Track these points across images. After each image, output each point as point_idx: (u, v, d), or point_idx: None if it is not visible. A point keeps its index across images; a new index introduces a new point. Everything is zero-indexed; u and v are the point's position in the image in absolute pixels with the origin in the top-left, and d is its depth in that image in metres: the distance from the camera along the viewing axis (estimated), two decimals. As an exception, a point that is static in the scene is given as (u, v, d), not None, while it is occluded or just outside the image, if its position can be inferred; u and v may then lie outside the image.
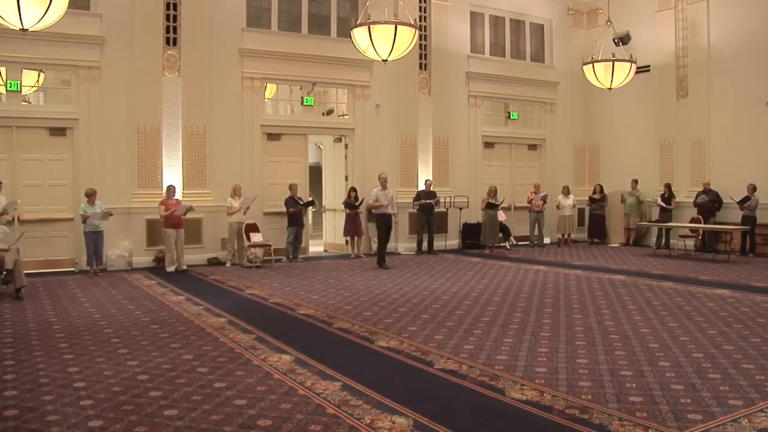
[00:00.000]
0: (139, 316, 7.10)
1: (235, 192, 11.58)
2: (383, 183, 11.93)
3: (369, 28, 9.77)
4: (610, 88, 12.86)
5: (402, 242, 13.72)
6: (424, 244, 13.60)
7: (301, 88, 13.33)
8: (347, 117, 13.80)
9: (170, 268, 10.76)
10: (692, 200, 13.42)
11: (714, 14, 13.66)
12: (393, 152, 13.93)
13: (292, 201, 12.07)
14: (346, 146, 13.83)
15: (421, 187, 13.83)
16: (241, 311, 7.33)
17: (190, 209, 10.93)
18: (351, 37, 10.25)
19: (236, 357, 5.31)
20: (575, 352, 5.41)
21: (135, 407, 4.07)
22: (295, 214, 12.02)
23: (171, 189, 10.99)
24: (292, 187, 12.13)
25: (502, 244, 14.21)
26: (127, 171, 11.32)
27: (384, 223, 11.49)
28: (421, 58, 14.09)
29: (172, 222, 10.80)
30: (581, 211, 16.05)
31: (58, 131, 11.09)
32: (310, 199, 12.99)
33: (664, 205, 13.98)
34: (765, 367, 4.90)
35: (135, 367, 5.01)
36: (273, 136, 12.83)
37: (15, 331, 6.32)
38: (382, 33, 9.74)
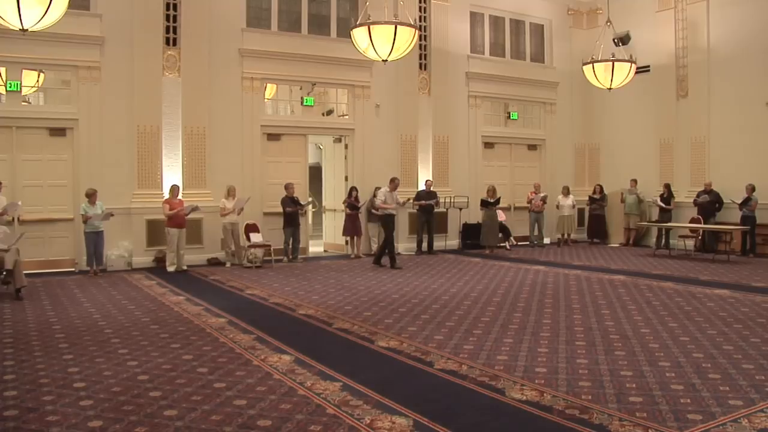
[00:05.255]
0: (139, 316, 7.10)
1: (229, 193, 11.56)
2: (395, 187, 11.79)
3: (369, 28, 9.77)
4: (610, 89, 12.84)
5: (402, 242, 13.71)
6: (424, 245, 13.60)
7: (301, 88, 13.32)
8: (347, 117, 13.80)
9: (171, 268, 10.77)
10: (692, 200, 13.42)
11: (714, 14, 13.66)
12: (393, 152, 13.93)
13: (288, 201, 12.04)
14: (346, 146, 13.83)
15: (421, 187, 13.83)
16: (241, 311, 7.33)
17: (195, 209, 10.93)
18: (351, 38, 10.23)
19: (236, 357, 5.31)
20: (575, 352, 5.41)
21: (135, 407, 4.07)
22: (291, 214, 11.99)
23: (175, 189, 10.99)
24: (289, 187, 12.09)
25: (502, 245, 14.21)
26: (127, 171, 11.32)
27: (390, 222, 11.43)
28: (421, 59, 14.09)
29: (177, 222, 10.81)
30: (581, 211, 16.04)
31: (58, 131, 11.08)
32: (310, 200, 13.01)
33: (663, 205, 13.99)
34: (765, 367, 4.90)
35: (135, 367, 5.01)
36: (273, 137, 12.83)
37: (15, 332, 6.32)
38: (382, 33, 9.73)
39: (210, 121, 11.95)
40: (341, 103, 14.02)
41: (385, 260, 11.43)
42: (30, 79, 11.05)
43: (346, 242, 13.38)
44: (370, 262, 11.86)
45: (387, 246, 11.42)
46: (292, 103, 13.96)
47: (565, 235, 15.14)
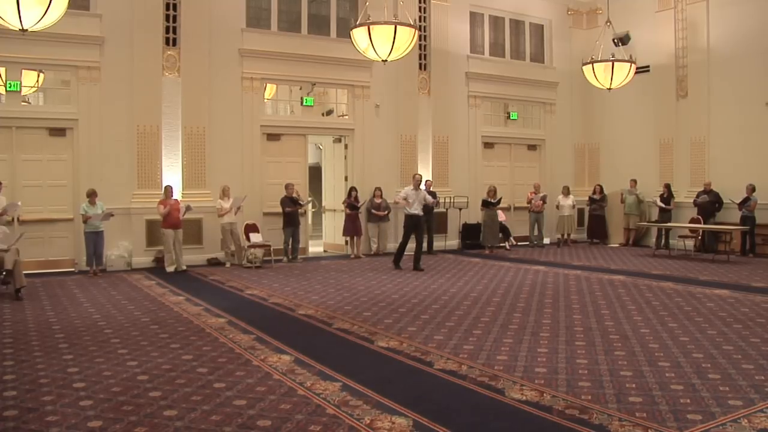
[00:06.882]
0: (139, 316, 7.10)
1: (224, 193, 11.54)
2: (417, 183, 11.30)
3: (368, 28, 9.77)
4: (609, 89, 12.84)
5: (402, 242, 13.72)
6: (424, 245, 13.53)
7: (300, 89, 13.32)
8: (347, 117, 13.80)
9: (170, 269, 10.76)
10: (692, 200, 13.43)
11: (714, 14, 13.66)
12: (393, 152, 13.93)
13: (288, 201, 12.03)
14: (346, 146, 13.83)
15: (421, 187, 13.76)
16: (240, 311, 7.33)
17: (188, 209, 10.93)
18: (351, 38, 10.24)
19: (236, 357, 5.31)
20: (575, 352, 5.41)
21: (134, 407, 4.07)
22: (291, 214, 11.99)
23: (169, 189, 10.98)
24: (289, 187, 12.08)
25: (501, 245, 14.21)
26: (127, 171, 11.31)
27: (411, 224, 11.04)
28: (420, 59, 14.09)
29: (171, 222, 10.79)
30: (581, 212, 16.04)
31: (58, 131, 11.08)
32: (309, 199, 13.00)
33: (663, 205, 13.99)
34: (765, 367, 4.90)
35: (135, 367, 5.01)
36: (273, 137, 12.83)
37: (15, 332, 6.31)
38: (382, 33, 9.74)
39: (210, 121, 11.95)
40: (341, 103, 14.01)
41: (404, 260, 11.17)
42: (30, 79, 11.04)
43: (346, 242, 13.38)
44: (370, 262, 11.85)
45: (400, 248, 11.20)
46: (292, 103, 13.97)
47: (565, 236, 15.14)
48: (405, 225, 11.22)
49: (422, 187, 13.52)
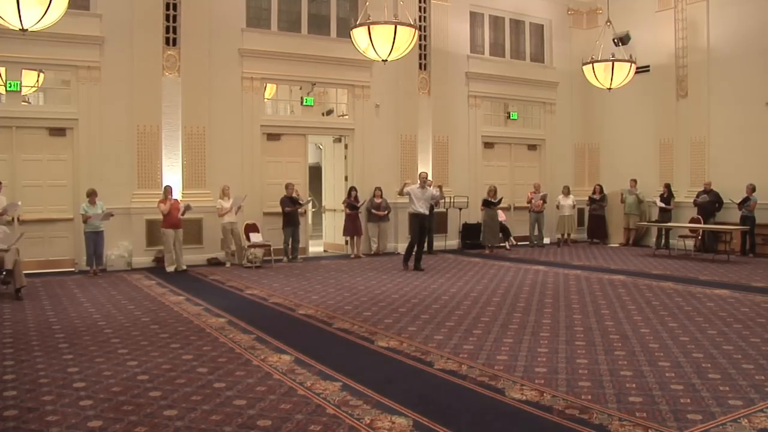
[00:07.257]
0: (139, 316, 7.10)
1: (224, 193, 11.55)
2: (423, 182, 11.17)
3: (369, 28, 9.77)
4: (609, 89, 12.84)
5: (402, 242, 13.69)
6: (424, 245, 13.55)
7: (300, 88, 13.32)
8: (347, 117, 13.80)
9: (170, 268, 10.77)
10: (692, 200, 13.43)
11: (714, 14, 13.66)
12: (393, 152, 13.93)
13: (287, 200, 12.04)
14: (346, 146, 13.83)
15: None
16: (240, 311, 7.33)
17: (188, 208, 10.93)
18: (351, 38, 10.24)
19: (236, 357, 5.31)
20: (575, 352, 5.41)
21: (135, 407, 4.07)
22: (290, 214, 11.99)
23: (168, 189, 10.98)
24: (289, 187, 12.09)
25: (501, 244, 14.21)
26: (127, 171, 11.31)
27: (417, 223, 10.91)
28: (420, 58, 14.09)
29: (171, 222, 10.80)
30: (581, 212, 16.04)
31: (58, 131, 11.08)
32: (309, 198, 13.01)
33: (663, 205, 13.99)
34: (765, 367, 4.90)
35: (135, 367, 5.01)
36: (273, 136, 12.83)
37: (15, 332, 6.31)
38: (382, 33, 9.74)
39: (210, 121, 11.95)
40: (341, 103, 14.01)
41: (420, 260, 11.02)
42: (30, 79, 11.04)
43: (346, 242, 13.38)
44: (370, 262, 11.84)
45: (410, 247, 11.11)
46: (292, 103, 13.97)
47: (565, 235, 15.14)
48: (411, 224, 11.15)
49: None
